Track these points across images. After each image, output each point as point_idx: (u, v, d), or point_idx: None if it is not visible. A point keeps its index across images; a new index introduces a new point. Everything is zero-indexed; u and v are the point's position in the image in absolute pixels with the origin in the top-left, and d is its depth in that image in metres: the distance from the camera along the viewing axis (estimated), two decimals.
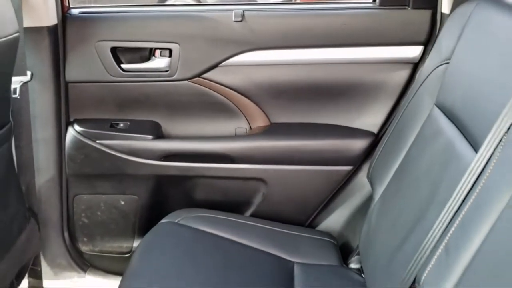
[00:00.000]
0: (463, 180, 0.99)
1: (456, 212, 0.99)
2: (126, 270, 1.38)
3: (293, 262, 1.48)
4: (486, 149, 0.97)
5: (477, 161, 0.98)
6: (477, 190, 0.95)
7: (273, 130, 1.73)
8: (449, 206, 1.01)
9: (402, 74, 1.63)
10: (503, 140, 0.94)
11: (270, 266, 1.46)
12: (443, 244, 0.98)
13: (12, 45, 1.33)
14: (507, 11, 1.12)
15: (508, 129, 0.93)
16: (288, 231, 1.62)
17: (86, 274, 1.84)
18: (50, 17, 1.54)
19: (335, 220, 1.76)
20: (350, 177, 1.73)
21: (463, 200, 0.98)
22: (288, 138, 1.70)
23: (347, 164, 1.70)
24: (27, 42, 1.48)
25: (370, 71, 1.65)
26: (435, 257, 0.99)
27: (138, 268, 1.36)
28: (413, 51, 1.60)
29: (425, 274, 1.00)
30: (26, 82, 1.54)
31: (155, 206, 1.76)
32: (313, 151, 1.69)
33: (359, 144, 1.68)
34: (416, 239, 1.09)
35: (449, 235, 0.98)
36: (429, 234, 1.03)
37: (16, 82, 1.48)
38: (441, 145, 1.19)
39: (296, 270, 1.45)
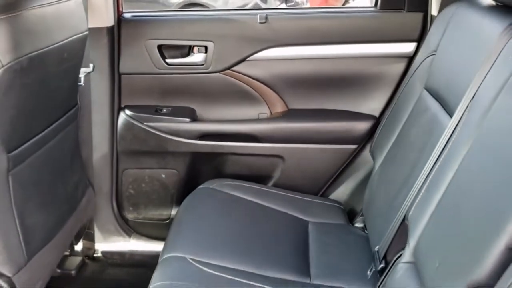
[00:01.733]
0: (440, 140, 1.30)
1: (434, 163, 1.30)
2: (172, 223, 1.70)
3: (308, 221, 1.79)
4: (457, 115, 1.28)
5: (450, 124, 1.29)
6: (448, 146, 1.26)
7: (290, 114, 2.05)
8: (430, 160, 1.32)
9: (399, 66, 1.94)
10: (468, 106, 1.24)
11: (289, 224, 1.76)
12: (425, 187, 1.29)
13: (83, 41, 1.67)
14: (479, 12, 1.44)
15: (472, 97, 1.24)
16: (303, 198, 1.93)
17: (131, 238, 2.14)
18: (108, 20, 1.88)
19: (342, 190, 2.06)
20: (355, 154, 2.04)
21: (439, 154, 1.29)
22: (303, 121, 2.02)
23: (353, 143, 2.01)
24: (90, 40, 1.79)
25: (372, 64, 1.96)
26: (419, 197, 1.30)
27: (183, 219, 1.68)
28: (408, 47, 1.92)
29: (411, 212, 1.31)
30: (88, 73, 1.87)
31: (191, 179, 2.07)
32: (324, 132, 2.01)
33: (363, 126, 1.99)
34: (406, 190, 1.39)
35: (429, 180, 1.28)
36: (416, 183, 1.34)
37: (81, 72, 1.81)
38: (427, 118, 1.50)
39: (310, 227, 1.76)
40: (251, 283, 1.40)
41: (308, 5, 6.46)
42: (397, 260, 1.29)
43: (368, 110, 2.00)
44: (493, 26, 1.29)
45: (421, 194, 1.30)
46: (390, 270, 1.32)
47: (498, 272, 0.90)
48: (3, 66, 1.25)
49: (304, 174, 2.05)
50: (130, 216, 2.15)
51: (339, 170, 2.06)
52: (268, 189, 1.94)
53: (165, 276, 1.38)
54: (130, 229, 2.16)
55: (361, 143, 2.01)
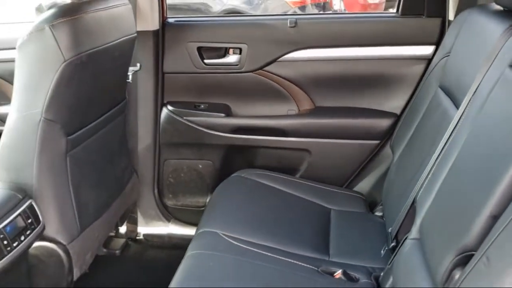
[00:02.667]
0: (447, 131, 1.45)
1: (440, 151, 1.44)
2: (207, 204, 1.89)
3: (330, 209, 1.94)
4: (461, 108, 1.43)
5: (455, 117, 1.44)
6: (452, 136, 1.41)
7: (317, 111, 2.21)
8: (438, 148, 1.47)
9: (419, 68, 2.08)
10: (470, 100, 1.39)
11: (312, 210, 1.93)
12: (432, 172, 1.44)
13: (131, 42, 1.89)
14: (487, 16, 1.58)
15: (474, 92, 1.39)
16: (327, 189, 2.09)
17: (170, 223, 2.35)
18: (154, 24, 2.10)
19: (365, 183, 2.21)
20: (378, 149, 2.18)
21: (445, 143, 1.43)
22: (328, 118, 2.18)
23: (375, 138, 2.16)
24: (138, 42, 2.00)
25: (393, 65, 2.11)
26: (427, 181, 1.44)
27: (216, 201, 1.87)
28: (427, 50, 2.06)
29: (419, 195, 1.46)
30: (136, 71, 2.10)
31: (225, 169, 2.26)
32: (348, 128, 2.17)
33: (384, 123, 2.14)
34: (417, 176, 1.54)
35: (435, 166, 1.43)
36: (425, 169, 1.49)
37: (129, 70, 2.03)
38: (439, 113, 1.65)
39: (332, 214, 1.91)
40: (275, 256, 1.57)
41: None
42: (406, 238, 1.44)
43: (390, 108, 2.15)
44: (495, 28, 1.43)
45: (428, 178, 1.45)
46: (400, 247, 1.47)
47: (483, 237, 1.05)
48: (65, 61, 1.48)
49: (329, 167, 2.21)
50: (169, 202, 2.35)
51: (362, 164, 2.21)
52: (294, 179, 2.11)
53: (199, 246, 1.57)
54: (169, 214, 2.36)
55: (383, 138, 2.16)
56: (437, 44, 2.01)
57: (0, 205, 1.43)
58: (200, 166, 2.29)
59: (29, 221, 1.48)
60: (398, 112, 2.14)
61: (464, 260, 1.08)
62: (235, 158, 2.28)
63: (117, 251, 2.21)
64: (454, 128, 1.42)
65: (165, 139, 2.25)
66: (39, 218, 1.53)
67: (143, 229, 2.35)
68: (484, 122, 1.24)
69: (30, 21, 1.61)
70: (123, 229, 2.32)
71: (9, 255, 1.38)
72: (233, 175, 2.05)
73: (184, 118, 2.21)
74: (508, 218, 0.95)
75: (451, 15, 1.98)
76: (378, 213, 1.98)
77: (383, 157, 2.17)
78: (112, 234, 2.25)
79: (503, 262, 0.93)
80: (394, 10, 2.17)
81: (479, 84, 1.38)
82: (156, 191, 2.32)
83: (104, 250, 2.19)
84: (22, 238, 1.44)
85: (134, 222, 2.33)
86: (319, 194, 2.01)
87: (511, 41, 1.32)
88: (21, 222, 1.45)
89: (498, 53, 1.35)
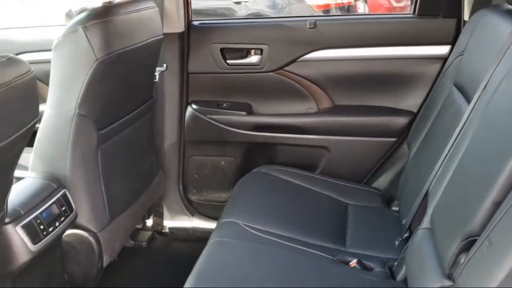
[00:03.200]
0: (459, 126, 1.51)
1: (452, 144, 1.50)
2: (229, 197, 1.98)
3: (348, 203, 2.01)
4: (472, 103, 1.49)
5: (467, 112, 1.50)
6: (463, 129, 1.47)
7: (336, 110, 2.29)
8: (450, 142, 1.53)
9: (435, 67, 2.13)
10: (480, 95, 1.45)
11: (330, 204, 2.00)
12: (443, 164, 1.50)
13: (158, 44, 1.99)
14: (499, 16, 1.64)
15: (484, 88, 1.45)
16: (345, 184, 2.16)
17: (194, 217, 2.44)
18: (180, 26, 2.21)
19: (383, 179, 2.27)
20: (395, 147, 2.24)
21: (457, 136, 1.49)
22: (347, 116, 2.25)
23: (392, 136, 2.22)
24: (164, 43, 2.10)
25: (410, 64, 2.17)
26: (439, 173, 1.51)
27: (237, 194, 1.96)
28: (443, 49, 2.11)
29: (431, 186, 1.52)
30: (162, 72, 2.20)
31: (246, 165, 2.34)
32: (366, 126, 2.23)
33: (402, 121, 2.20)
34: (431, 170, 1.60)
35: (447, 158, 1.49)
36: (438, 162, 1.55)
37: (156, 71, 2.14)
38: (453, 110, 1.70)
39: (350, 208, 1.98)
40: (293, 245, 1.65)
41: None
42: (418, 228, 1.51)
43: (407, 107, 2.21)
44: (506, 26, 1.49)
45: (440, 171, 1.52)
46: (412, 237, 1.54)
47: (486, 223, 1.11)
48: (97, 60, 1.59)
49: (348, 164, 2.28)
50: (193, 198, 2.45)
51: (380, 161, 2.27)
52: (313, 175, 2.18)
53: (220, 235, 1.66)
54: (193, 209, 2.46)
55: (400, 136, 2.21)
56: (453, 43, 2.06)
57: (37, 193, 1.54)
58: (223, 163, 2.38)
59: (63, 208, 1.59)
60: (415, 110, 2.19)
61: (469, 245, 1.14)
62: (256, 155, 2.36)
63: (144, 243, 2.32)
64: (465, 122, 1.48)
65: (190, 137, 2.35)
66: (72, 207, 1.64)
67: (168, 223, 2.45)
68: (490, 115, 1.30)
69: (61, 24, 1.73)
70: (149, 222, 2.43)
71: (45, 239, 1.49)
72: (253, 170, 2.13)
73: (208, 116, 2.31)
74: (509, 204, 1.02)
75: (466, 16, 2.03)
76: (395, 208, 2.04)
77: (400, 154, 2.23)
78: (139, 226, 2.36)
79: (504, 244, 0.99)
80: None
81: (488, 80, 1.43)
82: (181, 186, 2.42)
83: (132, 242, 2.30)
84: (57, 224, 1.55)
85: (160, 216, 2.43)
86: (337, 190, 2.07)
87: None
88: (55, 210, 1.56)
89: (507, 50, 1.41)
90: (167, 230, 2.45)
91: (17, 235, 1.40)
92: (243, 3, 6.61)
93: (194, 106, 2.33)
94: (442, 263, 1.24)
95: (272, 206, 1.88)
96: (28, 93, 1.11)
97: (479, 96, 1.46)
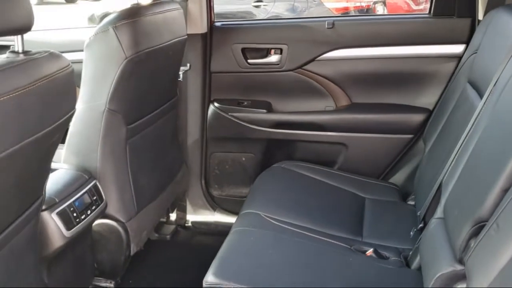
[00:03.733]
0: (471, 120, 1.57)
1: (465, 138, 1.57)
2: (249, 190, 2.06)
3: (365, 197, 2.08)
4: (484, 98, 1.55)
5: (479, 107, 1.56)
6: (475, 124, 1.53)
7: (353, 107, 2.36)
8: (463, 136, 1.59)
9: (450, 65, 2.19)
10: (492, 91, 1.51)
11: (347, 198, 2.06)
12: (456, 157, 1.56)
13: (183, 44, 2.09)
14: (511, 15, 1.69)
15: (495, 84, 1.51)
16: (363, 179, 2.22)
17: (215, 212, 2.53)
18: (203, 28, 2.30)
19: (399, 175, 2.33)
20: (412, 143, 2.30)
21: (469, 130, 1.56)
22: (364, 113, 2.32)
23: (409, 133, 2.28)
24: (188, 43, 2.20)
25: (426, 63, 2.23)
26: (452, 165, 1.57)
27: (258, 188, 2.04)
28: (458, 48, 2.17)
29: (444, 179, 1.59)
30: (186, 71, 2.30)
31: (266, 161, 2.42)
32: (383, 123, 2.30)
33: (418, 118, 2.26)
34: (445, 163, 1.66)
35: (460, 150, 1.56)
36: (452, 156, 1.61)
37: (180, 70, 2.24)
38: (467, 106, 1.76)
39: (367, 202, 2.04)
40: (312, 235, 1.72)
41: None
42: (432, 218, 1.57)
43: (423, 104, 2.27)
44: None
45: (453, 163, 1.58)
46: (426, 227, 1.60)
47: (494, 209, 1.18)
48: (126, 58, 1.69)
49: (365, 160, 2.35)
50: (215, 193, 2.54)
51: (397, 157, 2.33)
52: (331, 170, 2.24)
53: (242, 224, 1.75)
54: (215, 204, 2.54)
55: (416, 133, 2.27)
56: (467, 42, 2.12)
57: (70, 183, 1.64)
58: (243, 159, 2.47)
59: (94, 198, 1.69)
60: (430, 107, 2.25)
61: (478, 230, 1.21)
62: (275, 151, 2.44)
63: (168, 236, 2.42)
64: (477, 117, 1.55)
65: (212, 134, 2.44)
66: (102, 197, 1.74)
67: (191, 217, 2.54)
68: (500, 108, 1.36)
69: (89, 26, 1.83)
70: (173, 216, 2.52)
71: (78, 226, 1.59)
72: (273, 165, 2.20)
73: (229, 114, 2.40)
74: None
75: (480, 15, 2.09)
76: (411, 202, 2.10)
77: (417, 150, 2.28)
78: (164, 220, 2.45)
79: (511, 226, 1.05)
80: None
81: (499, 76, 1.49)
82: (203, 182, 2.51)
83: (156, 235, 2.40)
84: (88, 212, 1.65)
85: (183, 210, 2.52)
86: (355, 184, 2.14)
87: None
88: (87, 199, 1.66)
89: None
90: (190, 224, 2.54)
91: (53, 221, 1.50)
92: (262, 6, 6.72)
93: (216, 104, 2.42)
94: (454, 249, 1.30)
95: (292, 199, 1.96)
96: (67, 85, 1.21)
97: (490, 92, 1.52)
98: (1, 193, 1.10)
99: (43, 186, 1.35)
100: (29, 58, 1.12)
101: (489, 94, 1.52)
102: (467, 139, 1.54)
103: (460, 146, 1.58)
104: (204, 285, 1.47)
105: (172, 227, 2.48)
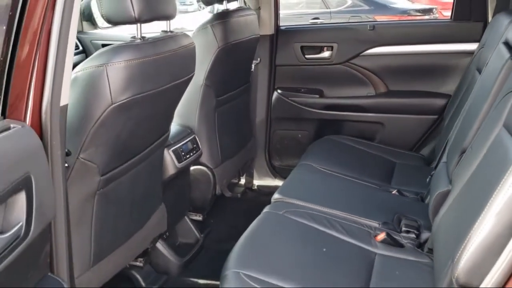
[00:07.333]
0: (474, 89, 2.15)
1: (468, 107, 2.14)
2: (305, 153, 2.68)
3: (395, 162, 2.62)
4: (481, 75, 2.12)
5: (478, 80, 2.13)
6: (473, 92, 2.10)
7: (389, 93, 2.95)
8: (468, 102, 2.16)
9: (466, 60, 2.74)
10: (484, 69, 2.08)
11: (381, 162, 2.63)
12: (460, 119, 2.14)
13: (256, 41, 2.75)
14: (510, 16, 2.25)
15: (486, 64, 2.08)
16: (395, 150, 2.77)
17: (276, 178, 3.15)
18: (271, 30, 2.97)
19: (426, 148, 2.87)
20: (437, 123, 2.85)
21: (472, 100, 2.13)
22: (398, 98, 2.91)
23: (434, 114, 2.85)
24: (259, 42, 2.87)
25: (447, 58, 2.81)
26: (458, 121, 2.14)
27: (311, 149, 2.65)
28: (473, 46, 2.71)
29: (450, 134, 2.16)
30: (257, 64, 2.97)
31: (317, 137, 3.01)
32: (413, 106, 2.88)
33: (441, 102, 2.82)
34: (452, 126, 2.23)
35: (462, 113, 2.13)
36: (458, 120, 2.18)
37: (253, 62, 2.90)
38: (472, 82, 2.32)
39: (396, 165, 2.59)
40: (351, 179, 2.31)
41: None
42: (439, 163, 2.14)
43: (445, 90, 2.84)
44: (508, 21, 2.11)
45: (457, 122, 2.15)
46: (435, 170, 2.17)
47: (472, 139, 1.75)
48: (219, 47, 2.36)
49: (399, 136, 2.92)
50: (276, 163, 3.17)
51: (425, 134, 2.89)
52: (370, 143, 2.82)
53: (300, 169, 2.37)
54: (276, 172, 3.17)
55: (440, 114, 2.83)
56: (479, 41, 2.67)
57: (179, 133, 2.32)
58: (299, 135, 3.09)
59: (194, 146, 2.36)
60: (451, 93, 2.80)
61: (462, 156, 1.78)
62: (325, 129, 3.05)
63: (239, 195, 3.06)
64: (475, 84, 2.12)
65: (275, 115, 3.08)
66: (199, 146, 2.41)
67: (257, 182, 3.18)
68: (484, 76, 1.94)
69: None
70: (243, 180, 3.16)
71: (184, 161, 2.25)
72: (324, 137, 2.81)
73: (289, 99, 3.04)
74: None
75: (490, 18, 2.65)
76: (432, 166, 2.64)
77: (440, 128, 2.83)
78: (235, 181, 3.10)
79: (482, 146, 1.62)
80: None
81: (489, 58, 2.07)
82: (267, 154, 3.14)
83: (230, 193, 3.04)
84: (191, 154, 2.31)
85: (251, 176, 3.17)
86: (388, 153, 2.70)
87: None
88: (190, 145, 2.33)
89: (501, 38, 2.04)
90: (255, 187, 3.17)
91: (169, 155, 2.17)
92: (319, 22, 7.38)
93: (279, 91, 3.06)
94: (448, 175, 1.87)
95: (338, 157, 2.56)
96: (189, 57, 1.89)
97: (483, 70, 2.09)
98: (156, 116, 1.78)
99: (169, 124, 2.03)
100: (175, 34, 1.80)
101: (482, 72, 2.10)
102: (468, 108, 2.11)
103: (462, 112, 2.15)
104: (272, 201, 2.09)
105: (242, 188, 3.12)
